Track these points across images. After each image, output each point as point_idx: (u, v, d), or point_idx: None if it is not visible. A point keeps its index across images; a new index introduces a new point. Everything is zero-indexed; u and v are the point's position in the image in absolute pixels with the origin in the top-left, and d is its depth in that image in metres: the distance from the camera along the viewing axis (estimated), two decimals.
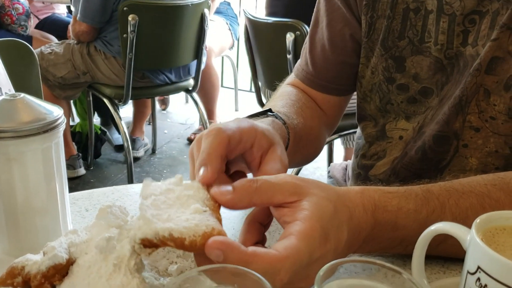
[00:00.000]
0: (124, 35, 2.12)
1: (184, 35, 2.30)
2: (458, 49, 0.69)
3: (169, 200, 0.46)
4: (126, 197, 0.71)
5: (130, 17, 2.08)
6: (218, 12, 3.10)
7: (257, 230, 0.50)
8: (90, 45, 2.29)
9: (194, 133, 3.16)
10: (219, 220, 0.45)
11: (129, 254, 0.44)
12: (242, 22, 2.90)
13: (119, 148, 2.86)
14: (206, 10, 2.32)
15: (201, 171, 0.48)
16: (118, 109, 2.38)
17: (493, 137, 0.67)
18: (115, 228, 0.46)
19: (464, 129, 0.68)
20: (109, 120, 2.97)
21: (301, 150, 0.77)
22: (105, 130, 2.88)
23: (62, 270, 0.43)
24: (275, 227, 0.58)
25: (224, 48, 3.21)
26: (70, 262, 0.44)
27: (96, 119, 2.97)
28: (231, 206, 0.46)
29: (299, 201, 0.46)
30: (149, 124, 3.09)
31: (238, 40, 3.38)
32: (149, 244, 0.42)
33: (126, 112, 3.19)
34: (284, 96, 0.82)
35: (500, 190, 0.55)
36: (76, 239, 0.45)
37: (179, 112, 3.66)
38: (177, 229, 0.42)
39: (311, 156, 0.87)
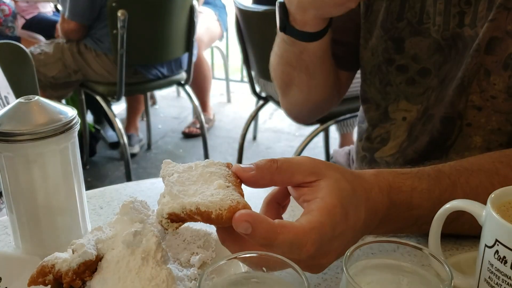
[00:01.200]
0: (114, 31, 2.10)
1: (174, 28, 2.29)
2: (454, 31, 0.70)
3: (192, 177, 0.48)
4: (139, 192, 0.72)
5: (119, 13, 2.07)
6: (206, 3, 3.08)
7: (275, 210, 0.52)
8: (80, 43, 2.28)
9: (188, 127, 3.16)
10: (242, 195, 0.46)
11: (155, 247, 0.45)
12: (230, 12, 2.89)
13: (114, 145, 2.85)
14: (195, 2, 2.32)
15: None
16: (111, 106, 2.38)
17: (495, 115, 0.69)
18: (139, 223, 0.47)
19: (467, 108, 0.70)
20: (102, 118, 2.96)
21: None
22: (99, 128, 2.87)
23: (91, 266, 0.44)
24: (288, 214, 0.59)
25: (214, 39, 3.20)
26: (99, 258, 0.45)
27: (89, 117, 2.96)
28: (253, 183, 0.48)
29: (318, 180, 0.47)
30: (142, 120, 3.08)
31: (227, 31, 3.37)
32: (176, 219, 0.44)
33: (119, 108, 3.18)
34: None
35: (507, 166, 0.57)
36: (102, 236, 0.46)
37: (172, 106, 3.65)
38: (204, 203, 0.43)
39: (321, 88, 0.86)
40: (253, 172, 0.48)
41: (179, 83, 2.54)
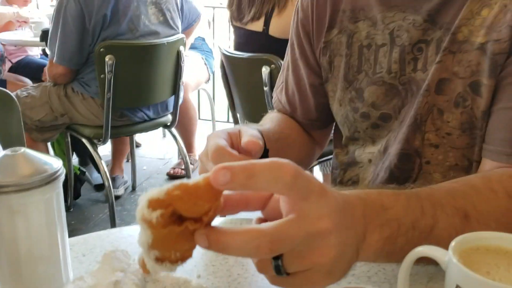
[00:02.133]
0: (102, 76, 2.15)
1: (161, 73, 2.34)
2: (410, 75, 0.77)
3: None
4: (121, 239, 0.74)
5: (107, 58, 2.12)
6: (193, 47, 3.17)
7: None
8: (67, 87, 2.31)
9: (173, 168, 3.17)
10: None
11: None
12: (217, 55, 2.96)
13: (99, 187, 2.85)
14: (181, 47, 2.38)
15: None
16: (97, 149, 2.39)
17: (452, 151, 0.74)
18: (120, 272, 0.48)
19: (424, 146, 0.76)
20: (87, 160, 2.96)
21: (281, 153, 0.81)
22: (84, 170, 2.87)
23: None
24: None
25: (201, 82, 3.27)
26: None
27: (74, 159, 2.96)
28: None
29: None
30: (127, 161, 3.09)
31: (213, 74, 3.44)
32: (157, 205, 0.39)
33: (104, 150, 3.19)
34: (265, 119, 0.93)
35: (465, 185, 0.60)
36: (84, 285, 0.48)
37: (157, 147, 3.67)
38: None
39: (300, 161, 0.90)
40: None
41: (165, 126, 2.57)
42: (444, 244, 0.46)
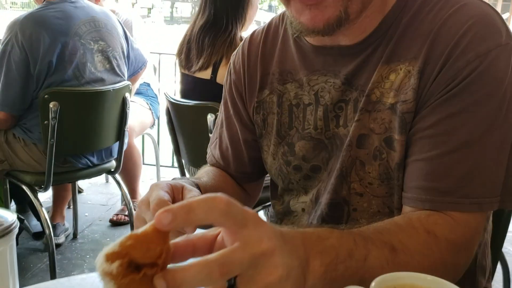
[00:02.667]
0: (45, 122, 2.12)
1: (106, 119, 2.35)
2: (334, 131, 0.86)
3: None
4: None
5: (51, 105, 2.10)
6: (138, 93, 3.20)
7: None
8: (8, 133, 2.25)
9: (117, 214, 3.12)
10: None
11: None
12: (162, 100, 3.01)
13: (38, 235, 2.74)
14: (127, 94, 2.41)
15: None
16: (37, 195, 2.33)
17: (374, 199, 0.83)
18: None
19: (351, 195, 0.84)
20: (26, 207, 2.87)
21: None
22: (23, 217, 2.76)
23: None
24: None
25: (146, 127, 3.28)
26: None
27: (12, 206, 2.86)
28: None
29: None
30: (69, 207, 3.01)
31: (158, 118, 3.48)
32: (115, 257, 0.43)
33: (44, 196, 3.10)
34: (201, 172, 1.01)
35: (389, 223, 0.70)
36: None
37: (100, 193, 3.61)
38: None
39: None
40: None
41: (109, 172, 2.56)
42: (377, 273, 0.54)
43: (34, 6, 2.36)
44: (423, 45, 0.76)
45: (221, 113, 1.04)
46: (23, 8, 33.64)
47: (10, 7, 35.77)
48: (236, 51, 1.02)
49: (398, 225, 0.70)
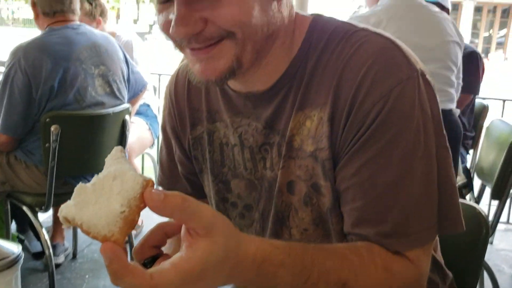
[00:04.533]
0: (47, 145, 2.17)
1: (106, 141, 2.40)
2: (262, 172, 0.86)
3: (102, 188, 0.55)
4: None
5: (52, 128, 2.15)
6: (138, 113, 3.26)
7: (161, 237, 0.62)
8: (10, 155, 2.31)
9: None
10: (131, 224, 0.54)
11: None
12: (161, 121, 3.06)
13: (37, 255, 2.78)
14: (127, 117, 2.47)
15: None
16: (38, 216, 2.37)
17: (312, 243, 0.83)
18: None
19: (292, 240, 0.84)
20: (27, 227, 2.90)
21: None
22: (23, 238, 2.81)
23: None
24: None
25: (145, 147, 3.34)
26: None
27: (12, 226, 2.89)
28: (155, 211, 0.55)
29: (203, 237, 0.55)
30: (69, 227, 3.04)
31: (158, 138, 3.53)
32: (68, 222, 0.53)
33: (44, 216, 3.13)
34: None
35: (353, 253, 0.72)
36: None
37: None
38: (87, 223, 0.53)
39: None
40: (157, 204, 0.53)
41: None
42: None
43: (34, 23, 2.43)
44: (329, 91, 0.76)
45: (161, 140, 1.05)
46: (24, 24, 33.94)
47: (12, 23, 36.12)
48: (166, 86, 1.01)
49: (360, 256, 0.71)
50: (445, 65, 2.31)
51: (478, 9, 19.87)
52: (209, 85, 0.79)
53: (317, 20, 0.82)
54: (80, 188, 0.54)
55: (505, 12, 20.15)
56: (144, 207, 0.54)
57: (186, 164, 0.99)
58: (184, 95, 0.95)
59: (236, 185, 0.90)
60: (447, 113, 2.36)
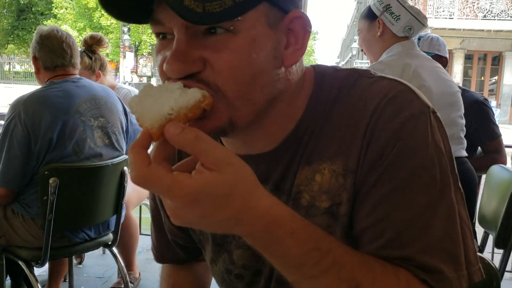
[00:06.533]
0: (44, 198, 2.15)
1: (104, 193, 2.38)
2: None
3: (162, 92, 0.62)
4: None
5: (51, 180, 2.14)
6: None
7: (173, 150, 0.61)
8: (7, 208, 2.28)
9: (113, 287, 3.08)
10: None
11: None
12: None
13: None
14: (125, 168, 2.46)
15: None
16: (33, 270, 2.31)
17: None
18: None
19: None
20: (22, 282, 2.82)
21: None
22: None
23: None
24: None
25: (143, 198, 3.30)
26: None
27: (7, 281, 2.81)
28: (169, 142, 0.58)
29: (212, 170, 0.56)
30: (65, 280, 2.97)
31: None
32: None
33: (40, 269, 3.06)
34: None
35: (376, 262, 0.68)
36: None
37: (96, 265, 3.56)
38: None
39: None
40: (173, 136, 0.57)
41: (106, 245, 2.55)
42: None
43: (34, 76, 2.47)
44: (340, 142, 0.73)
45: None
46: (25, 78, 34.52)
47: (13, 77, 36.73)
48: None
49: (384, 266, 0.67)
50: (460, 114, 2.31)
51: (468, 57, 20.37)
52: None
53: (322, 73, 0.80)
54: (149, 85, 0.62)
55: (496, 59, 20.66)
56: (192, 117, 0.61)
57: (177, 233, 0.96)
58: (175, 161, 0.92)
59: (239, 256, 0.84)
60: (463, 160, 2.32)
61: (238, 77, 0.66)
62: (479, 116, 2.85)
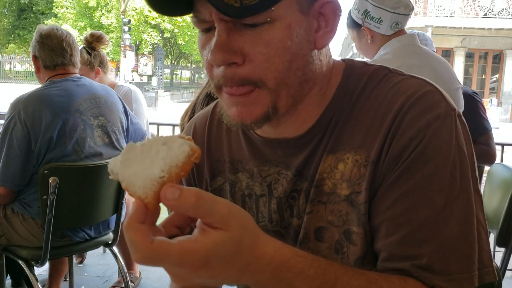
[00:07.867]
0: (44, 197, 2.15)
1: (105, 192, 2.38)
2: (288, 220, 0.83)
3: (148, 151, 0.57)
4: None
5: (50, 180, 2.14)
6: None
7: (184, 218, 0.62)
8: (7, 208, 2.28)
9: (113, 286, 3.07)
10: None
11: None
12: None
13: None
14: None
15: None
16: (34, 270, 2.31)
17: None
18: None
19: None
20: (22, 282, 2.82)
21: None
22: None
23: None
24: None
25: None
26: None
27: (7, 280, 2.81)
28: (170, 209, 0.55)
29: (218, 229, 0.55)
30: (65, 280, 2.97)
31: None
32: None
33: (40, 269, 3.06)
34: None
35: (383, 279, 0.68)
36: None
37: (97, 264, 3.56)
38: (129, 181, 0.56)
39: None
40: (172, 202, 0.54)
41: (106, 244, 2.55)
42: None
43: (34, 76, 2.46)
44: (366, 133, 0.76)
45: None
46: (26, 77, 34.55)
47: (14, 76, 36.78)
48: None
49: (391, 283, 0.68)
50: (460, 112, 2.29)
51: (469, 55, 20.35)
52: (242, 128, 0.78)
53: (352, 66, 0.83)
54: (130, 146, 0.57)
55: (496, 58, 20.63)
56: (184, 175, 0.56)
57: None
58: (203, 147, 0.93)
59: None
60: None
61: (277, 66, 0.71)
62: (466, 107, 2.83)
